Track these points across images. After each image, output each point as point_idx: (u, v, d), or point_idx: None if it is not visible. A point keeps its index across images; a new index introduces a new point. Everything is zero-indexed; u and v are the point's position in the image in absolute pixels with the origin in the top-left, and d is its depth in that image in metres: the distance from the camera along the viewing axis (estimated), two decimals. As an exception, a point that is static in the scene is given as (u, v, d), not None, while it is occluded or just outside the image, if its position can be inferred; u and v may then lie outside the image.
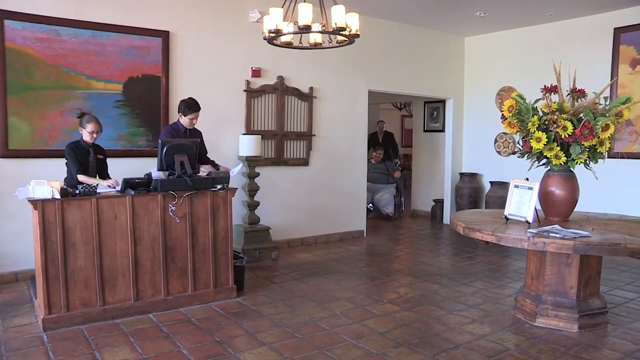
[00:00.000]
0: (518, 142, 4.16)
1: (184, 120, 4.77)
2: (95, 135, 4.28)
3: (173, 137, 4.66)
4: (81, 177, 4.16)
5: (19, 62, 4.71)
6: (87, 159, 4.30)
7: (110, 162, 4.83)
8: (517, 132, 3.97)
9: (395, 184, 8.90)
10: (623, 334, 3.74)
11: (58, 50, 4.88)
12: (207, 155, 5.03)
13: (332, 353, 3.36)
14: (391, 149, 9.78)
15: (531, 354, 3.39)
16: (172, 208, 4.09)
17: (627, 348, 3.50)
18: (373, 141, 9.39)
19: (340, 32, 3.81)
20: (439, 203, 8.66)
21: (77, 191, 3.78)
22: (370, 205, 8.73)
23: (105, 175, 4.43)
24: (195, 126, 4.85)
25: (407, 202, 9.62)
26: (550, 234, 3.46)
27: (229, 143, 5.87)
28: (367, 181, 7.87)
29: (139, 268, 4.00)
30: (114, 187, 4.07)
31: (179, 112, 4.78)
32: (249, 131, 6.06)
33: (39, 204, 3.59)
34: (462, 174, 8.23)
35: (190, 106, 4.73)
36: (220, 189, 4.33)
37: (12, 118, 4.72)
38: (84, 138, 4.28)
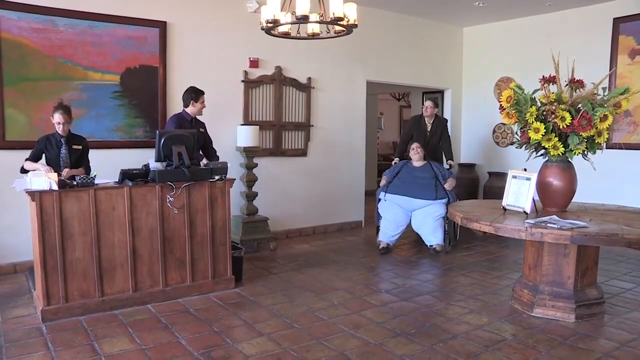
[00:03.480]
0: (516, 133, 4.16)
1: (197, 107, 4.82)
2: (62, 127, 4.17)
3: (180, 127, 4.69)
4: (26, 165, 4.12)
5: (14, 52, 4.68)
6: (57, 151, 4.22)
7: (107, 153, 4.83)
8: (516, 122, 3.96)
9: (447, 199, 5.73)
10: (619, 324, 3.76)
11: (54, 40, 4.85)
12: (213, 146, 5.10)
13: (331, 343, 3.38)
14: (443, 142, 6.57)
15: (528, 343, 3.41)
16: (170, 199, 4.09)
17: (623, 337, 3.52)
18: (416, 129, 6.54)
19: (338, 22, 3.78)
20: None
21: (75, 182, 3.77)
22: (386, 244, 5.78)
23: (85, 166, 4.37)
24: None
25: None
26: (548, 225, 3.47)
27: (227, 134, 5.85)
28: (394, 193, 5.83)
29: (137, 259, 4.01)
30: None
31: (189, 101, 4.79)
32: (247, 122, 6.04)
33: (37, 196, 3.58)
34: (460, 165, 8.23)
35: (198, 91, 4.80)
36: (218, 180, 4.33)
37: (8, 109, 4.70)
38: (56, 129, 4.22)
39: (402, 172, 6.00)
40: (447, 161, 6.53)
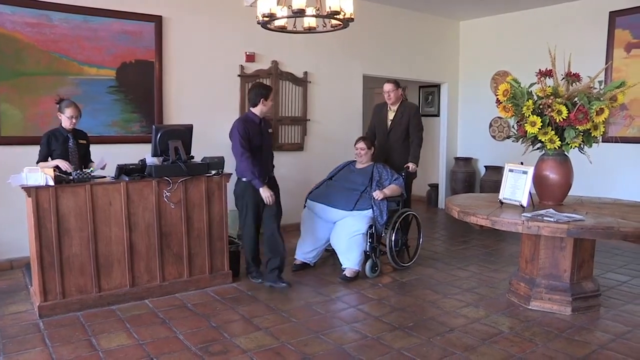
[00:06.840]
0: (513, 127, 4.16)
1: (268, 105, 4.37)
2: (74, 120, 4.15)
3: (247, 131, 4.26)
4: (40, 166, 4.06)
5: (9, 47, 4.65)
6: (65, 146, 4.19)
7: (103, 148, 4.79)
8: (512, 116, 3.96)
9: (371, 209, 4.59)
10: (615, 316, 3.78)
11: (49, 35, 4.82)
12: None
13: (328, 337, 3.39)
14: (412, 136, 5.17)
15: (525, 336, 3.42)
16: (167, 194, 4.08)
17: (618, 330, 3.54)
18: (378, 121, 5.39)
19: (335, 16, 3.76)
20: (434, 187, 8.68)
21: (71, 177, 3.76)
22: (300, 262, 4.87)
23: (88, 161, 4.36)
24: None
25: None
26: (545, 218, 3.48)
27: (224, 128, 5.78)
28: (314, 200, 4.88)
29: (134, 254, 4.00)
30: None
31: (259, 99, 4.33)
32: (244, 116, 6.02)
33: (33, 191, 3.57)
34: (457, 159, 8.24)
35: (267, 87, 4.42)
36: (215, 175, 4.32)
37: (3, 105, 4.67)
38: (62, 124, 4.17)
39: (339, 173, 5.05)
40: (408, 165, 5.06)
